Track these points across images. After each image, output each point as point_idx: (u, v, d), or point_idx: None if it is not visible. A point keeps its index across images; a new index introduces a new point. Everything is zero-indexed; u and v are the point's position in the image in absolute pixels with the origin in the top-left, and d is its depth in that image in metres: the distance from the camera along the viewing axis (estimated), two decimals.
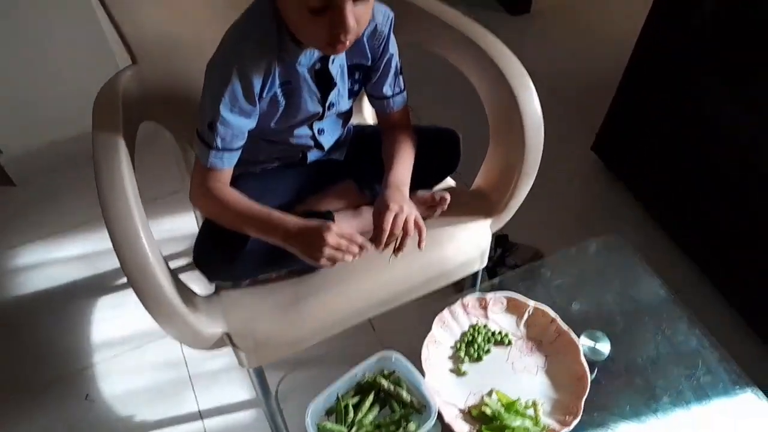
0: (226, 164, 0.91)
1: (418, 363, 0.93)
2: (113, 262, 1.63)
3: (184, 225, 1.68)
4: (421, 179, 1.08)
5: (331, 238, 0.84)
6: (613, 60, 2.01)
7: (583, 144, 1.83)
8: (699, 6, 1.30)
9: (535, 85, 1.00)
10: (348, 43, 0.80)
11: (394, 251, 0.89)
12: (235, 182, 1.00)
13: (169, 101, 1.10)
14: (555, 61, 2.15)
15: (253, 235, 0.92)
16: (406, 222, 0.87)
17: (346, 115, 1.06)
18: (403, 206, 0.88)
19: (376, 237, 0.87)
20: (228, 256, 0.95)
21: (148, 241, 0.84)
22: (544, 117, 1.01)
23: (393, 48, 0.97)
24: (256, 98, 0.87)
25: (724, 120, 1.32)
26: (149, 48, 1.05)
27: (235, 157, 0.92)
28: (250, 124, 0.90)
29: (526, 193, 1.07)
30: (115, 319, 1.55)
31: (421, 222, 0.89)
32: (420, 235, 0.89)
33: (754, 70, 1.29)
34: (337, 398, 0.90)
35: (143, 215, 0.86)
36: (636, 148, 1.64)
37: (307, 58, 0.89)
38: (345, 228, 0.87)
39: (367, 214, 1.05)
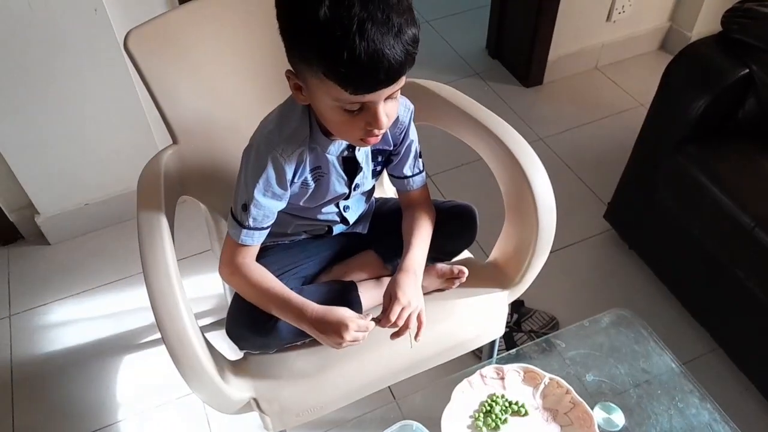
0: (255, 241, 0.99)
1: (437, 431, 0.97)
2: (139, 320, 1.72)
3: (210, 284, 1.74)
4: (439, 253, 1.14)
5: (349, 336, 0.92)
6: (623, 130, 2.10)
7: (596, 212, 1.89)
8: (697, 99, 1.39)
9: (547, 153, 1.06)
10: (380, 137, 0.88)
11: (391, 336, 0.97)
12: (265, 252, 1.07)
13: (206, 179, 1.18)
14: (566, 131, 2.23)
15: (274, 313, 0.98)
16: (410, 315, 0.95)
17: (369, 192, 1.13)
18: (411, 300, 0.95)
19: (382, 321, 0.95)
20: (260, 330, 1.01)
21: (186, 312, 0.90)
22: (556, 185, 1.07)
23: (413, 135, 1.05)
24: (288, 184, 0.95)
25: (731, 192, 1.38)
26: (189, 130, 1.14)
27: (264, 234, 0.99)
28: (281, 205, 0.98)
29: (540, 267, 1.12)
30: (140, 376, 1.60)
31: (423, 317, 0.97)
32: (419, 329, 0.96)
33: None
34: None
35: (182, 288, 0.92)
36: (647, 217, 1.69)
37: (336, 147, 0.96)
38: (362, 321, 0.93)
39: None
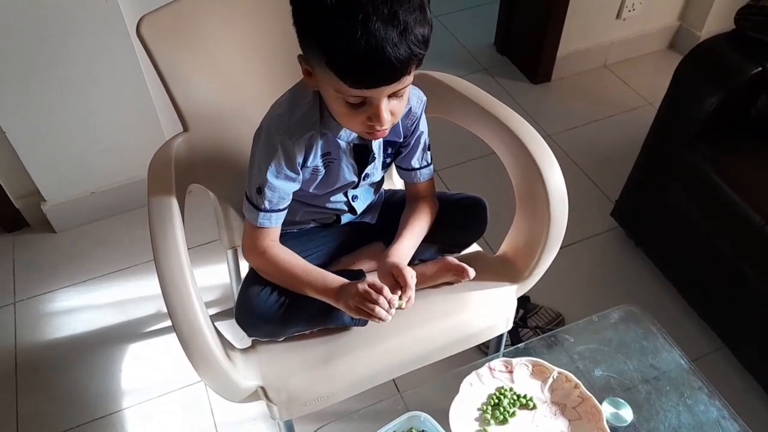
0: (274, 223, 0.99)
1: (442, 423, 0.96)
2: (144, 310, 1.72)
3: (216, 274, 1.74)
4: (448, 245, 1.14)
5: (361, 285, 0.91)
6: (631, 128, 2.10)
7: (603, 210, 1.88)
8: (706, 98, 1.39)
9: (554, 150, 1.06)
10: (385, 132, 0.87)
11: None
12: None
13: (216, 166, 1.18)
14: (574, 128, 2.23)
15: (308, 294, 0.99)
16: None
17: (378, 184, 1.13)
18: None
19: (404, 293, 0.94)
20: (269, 317, 1.01)
21: (197, 299, 0.90)
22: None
23: (423, 126, 1.05)
24: (299, 168, 0.95)
25: (742, 190, 1.38)
26: (200, 117, 1.13)
27: (282, 216, 0.99)
28: (295, 186, 0.98)
29: (550, 262, 1.12)
30: (144, 365, 1.60)
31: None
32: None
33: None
34: None
35: (192, 273, 0.92)
36: (654, 215, 1.68)
37: (347, 133, 0.96)
38: (376, 283, 0.93)
39: None
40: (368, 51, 0.72)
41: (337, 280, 0.97)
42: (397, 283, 0.95)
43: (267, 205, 0.95)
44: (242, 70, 1.18)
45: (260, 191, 0.94)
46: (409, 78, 0.80)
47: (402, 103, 0.86)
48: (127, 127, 1.78)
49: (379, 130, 0.85)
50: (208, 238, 1.82)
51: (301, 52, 0.84)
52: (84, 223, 1.91)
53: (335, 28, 0.73)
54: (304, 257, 1.09)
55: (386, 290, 0.91)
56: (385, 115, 0.82)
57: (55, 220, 1.88)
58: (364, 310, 0.91)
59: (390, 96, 0.82)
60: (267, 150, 0.93)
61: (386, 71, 0.76)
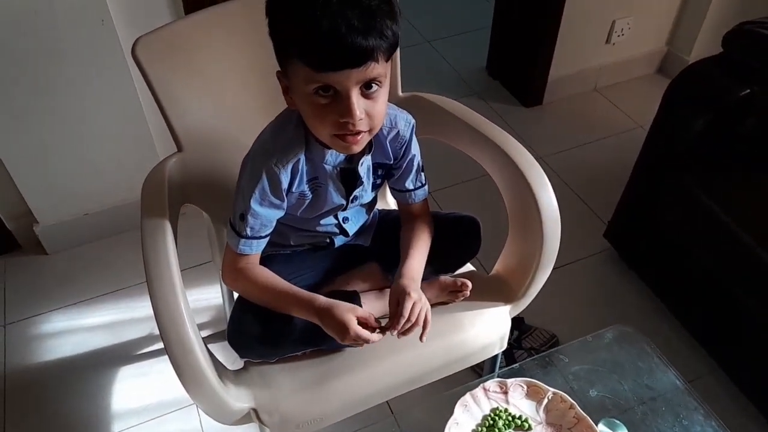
0: (254, 250, 0.98)
1: None
2: (136, 332, 1.70)
3: (210, 296, 1.74)
4: (442, 265, 1.14)
5: (347, 342, 0.92)
6: (622, 151, 2.12)
7: (595, 231, 1.89)
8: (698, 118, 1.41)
9: (546, 172, 1.07)
10: (359, 138, 0.85)
11: (398, 333, 0.94)
12: (267, 263, 1.06)
13: (209, 187, 1.18)
14: (566, 151, 2.25)
15: (284, 311, 0.98)
16: (421, 310, 0.94)
17: (369, 205, 1.12)
18: (420, 297, 0.95)
19: (396, 323, 0.93)
20: (262, 337, 1.00)
21: (189, 318, 0.89)
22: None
23: (415, 149, 1.05)
24: (284, 194, 0.94)
25: (731, 211, 1.39)
26: (194, 138, 1.14)
27: (263, 243, 0.99)
28: (279, 214, 0.97)
29: (544, 281, 1.12)
30: (135, 388, 1.58)
31: (429, 316, 0.95)
32: (425, 328, 0.95)
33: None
34: None
35: (184, 293, 0.91)
36: (647, 237, 1.69)
37: (333, 157, 0.96)
38: (369, 314, 0.94)
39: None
40: (331, 30, 0.74)
41: (321, 299, 0.96)
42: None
43: (248, 231, 0.95)
44: (237, 92, 1.19)
45: (243, 218, 0.94)
46: (378, 68, 0.80)
47: (378, 107, 0.84)
48: (121, 149, 1.78)
49: (352, 132, 0.83)
50: (202, 260, 1.81)
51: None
52: (76, 245, 1.91)
53: (299, 10, 0.76)
54: (296, 279, 1.09)
55: (374, 336, 0.93)
56: (357, 111, 0.81)
57: (47, 241, 1.87)
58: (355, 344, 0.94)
59: (363, 94, 0.81)
60: (251, 177, 0.93)
61: (349, 52, 0.76)
